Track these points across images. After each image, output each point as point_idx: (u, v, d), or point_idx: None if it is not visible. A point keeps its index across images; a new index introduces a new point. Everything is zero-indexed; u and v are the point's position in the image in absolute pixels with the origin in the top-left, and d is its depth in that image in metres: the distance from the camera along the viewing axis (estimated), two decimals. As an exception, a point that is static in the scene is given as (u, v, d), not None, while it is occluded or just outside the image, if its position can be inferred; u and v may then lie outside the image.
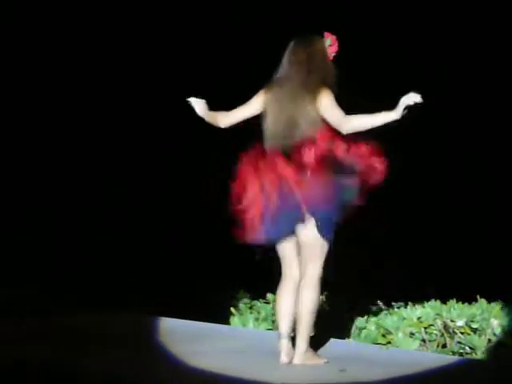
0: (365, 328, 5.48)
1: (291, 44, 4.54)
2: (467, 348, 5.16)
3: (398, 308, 5.88)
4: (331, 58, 4.53)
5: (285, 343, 4.40)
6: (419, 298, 5.96)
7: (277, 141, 4.40)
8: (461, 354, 5.14)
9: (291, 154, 4.33)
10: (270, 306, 5.97)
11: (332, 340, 5.07)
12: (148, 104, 8.53)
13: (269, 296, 6.14)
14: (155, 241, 8.22)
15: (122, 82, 8.42)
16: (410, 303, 5.85)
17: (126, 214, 8.47)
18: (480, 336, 5.21)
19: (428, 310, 5.55)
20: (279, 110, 4.42)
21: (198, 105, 4.54)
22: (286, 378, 4.10)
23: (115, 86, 8.42)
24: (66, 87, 8.60)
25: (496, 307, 5.60)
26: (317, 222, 4.30)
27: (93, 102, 8.60)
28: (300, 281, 4.40)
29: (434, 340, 5.31)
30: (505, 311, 5.55)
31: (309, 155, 4.31)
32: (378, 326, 5.41)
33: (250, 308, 6.11)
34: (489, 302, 5.74)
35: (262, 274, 6.65)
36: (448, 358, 4.81)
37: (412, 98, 4.19)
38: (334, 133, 4.36)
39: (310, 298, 4.36)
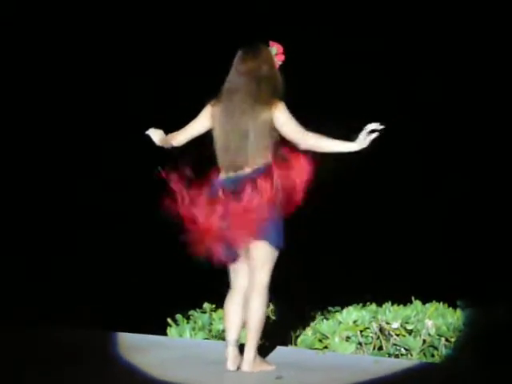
0: (301, 333, 5.49)
1: (238, 53, 4.47)
2: (403, 349, 5.20)
3: (335, 312, 5.91)
4: (277, 66, 4.48)
5: (232, 351, 4.39)
6: (356, 301, 6.01)
7: (227, 155, 4.33)
8: (397, 356, 5.18)
9: (240, 178, 4.28)
10: (207, 315, 5.94)
11: (269, 347, 5.06)
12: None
13: (205, 306, 6.11)
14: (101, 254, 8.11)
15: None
16: (345, 307, 5.88)
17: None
18: (415, 337, 5.25)
19: (364, 314, 5.58)
20: (228, 123, 4.34)
21: (156, 135, 4.57)
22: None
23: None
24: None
25: (431, 308, 5.66)
26: (264, 232, 4.28)
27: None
28: (248, 289, 4.39)
29: (370, 343, 5.34)
30: (439, 312, 5.61)
31: (262, 190, 4.24)
32: (315, 331, 5.43)
33: (187, 318, 6.06)
34: (424, 303, 5.80)
35: (198, 284, 6.64)
36: (384, 361, 4.85)
37: (371, 134, 4.22)
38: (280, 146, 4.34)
39: (258, 305, 4.34)
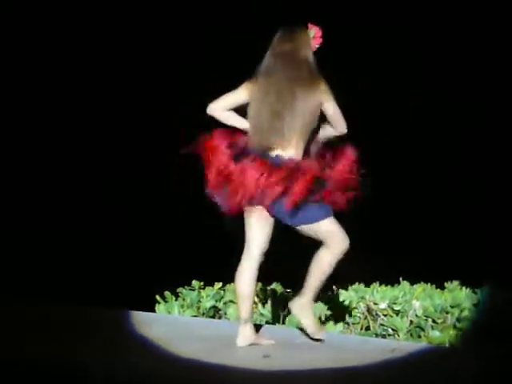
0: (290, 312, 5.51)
1: (276, 35, 4.43)
2: (390, 330, 5.23)
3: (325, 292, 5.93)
4: (314, 49, 4.44)
5: (247, 327, 4.38)
6: (344, 281, 6.04)
7: (262, 135, 4.31)
8: (384, 336, 5.21)
9: (278, 158, 4.26)
10: (195, 292, 5.96)
11: (256, 326, 5.08)
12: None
13: (194, 283, 6.12)
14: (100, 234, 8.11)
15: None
16: (334, 287, 5.91)
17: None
18: (402, 318, 5.28)
19: (351, 294, 5.61)
20: (264, 103, 4.32)
21: None
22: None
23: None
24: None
25: (418, 289, 5.69)
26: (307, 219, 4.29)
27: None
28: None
29: (358, 323, 5.37)
30: (427, 293, 5.64)
31: (301, 181, 4.21)
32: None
33: (176, 295, 6.08)
34: (412, 284, 5.83)
35: (187, 262, 6.66)
36: (371, 340, 4.87)
37: None
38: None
39: (331, 255, 4.31)
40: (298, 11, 7.09)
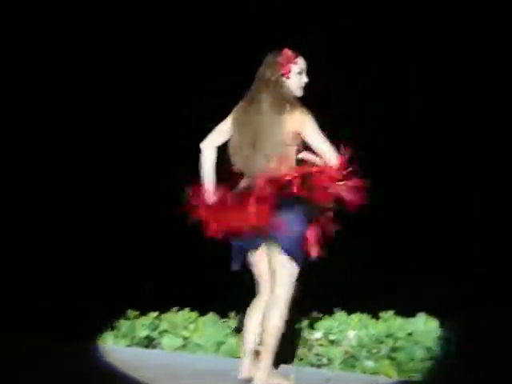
0: (225, 342, 5.49)
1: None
2: (324, 360, 5.22)
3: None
4: (288, 73, 4.35)
5: (247, 360, 4.37)
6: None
7: (241, 159, 4.29)
8: (319, 366, 5.20)
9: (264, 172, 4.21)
10: (130, 322, 5.89)
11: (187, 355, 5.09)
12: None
13: (129, 313, 6.06)
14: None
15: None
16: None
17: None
18: (337, 347, 5.29)
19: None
20: (242, 128, 4.30)
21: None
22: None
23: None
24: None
25: (355, 319, 5.70)
26: (284, 245, 4.20)
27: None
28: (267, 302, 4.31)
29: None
30: (362, 323, 5.66)
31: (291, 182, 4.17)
32: (239, 340, 5.42)
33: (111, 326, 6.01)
34: (348, 314, 5.84)
35: (122, 291, 6.59)
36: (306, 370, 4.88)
37: None
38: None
39: (277, 321, 4.23)
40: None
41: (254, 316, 4.40)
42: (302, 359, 5.26)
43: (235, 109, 4.41)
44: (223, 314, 5.99)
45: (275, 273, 4.28)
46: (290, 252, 4.20)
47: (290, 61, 4.36)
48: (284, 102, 4.27)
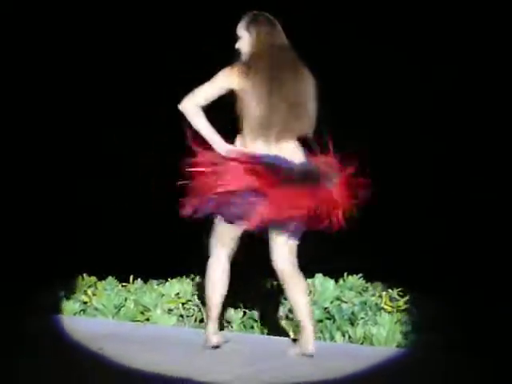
0: (124, 306, 5.47)
1: (266, 23, 4.21)
2: (224, 322, 5.27)
3: (158, 285, 5.93)
4: None
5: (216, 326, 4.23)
6: (179, 274, 6.05)
7: (271, 127, 4.02)
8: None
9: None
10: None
11: (87, 320, 5.05)
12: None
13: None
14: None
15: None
16: (169, 280, 5.92)
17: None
18: (235, 309, 5.35)
19: (186, 286, 5.64)
20: (275, 95, 4.04)
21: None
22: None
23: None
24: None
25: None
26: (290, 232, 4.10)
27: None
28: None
29: (192, 315, 5.40)
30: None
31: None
32: (137, 303, 5.43)
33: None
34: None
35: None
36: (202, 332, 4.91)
37: None
38: None
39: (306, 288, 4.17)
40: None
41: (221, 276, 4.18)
42: (201, 321, 5.31)
43: (236, 72, 4.06)
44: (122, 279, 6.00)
45: (285, 245, 4.14)
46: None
47: None
48: (303, 66, 4.19)
